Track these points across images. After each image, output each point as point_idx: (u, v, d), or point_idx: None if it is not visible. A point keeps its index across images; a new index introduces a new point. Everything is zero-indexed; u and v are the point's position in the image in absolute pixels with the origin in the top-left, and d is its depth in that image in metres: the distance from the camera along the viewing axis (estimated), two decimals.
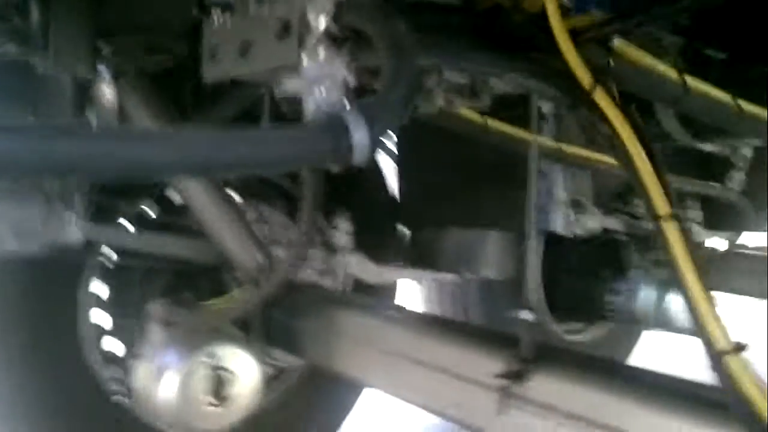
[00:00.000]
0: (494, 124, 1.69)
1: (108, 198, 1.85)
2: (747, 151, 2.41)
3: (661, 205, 0.91)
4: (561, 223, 2.40)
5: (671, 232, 0.92)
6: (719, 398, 0.95)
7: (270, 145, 0.65)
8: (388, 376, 1.63)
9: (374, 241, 2.42)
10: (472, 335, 1.56)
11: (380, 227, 2.50)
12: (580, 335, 3.28)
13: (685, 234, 0.93)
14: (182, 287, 2.08)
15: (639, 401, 1.14)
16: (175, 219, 2.03)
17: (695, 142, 2.14)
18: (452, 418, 1.46)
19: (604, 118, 0.89)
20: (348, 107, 0.72)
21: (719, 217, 2.83)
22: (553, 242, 3.12)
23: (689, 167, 2.66)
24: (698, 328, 0.93)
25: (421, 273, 2.46)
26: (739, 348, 0.92)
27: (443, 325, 1.75)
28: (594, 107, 0.89)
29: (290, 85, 1.13)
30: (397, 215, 2.49)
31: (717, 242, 3.22)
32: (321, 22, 0.76)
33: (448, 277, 2.58)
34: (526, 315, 1.34)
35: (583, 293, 3.07)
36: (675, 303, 2.65)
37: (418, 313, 1.93)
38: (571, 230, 2.41)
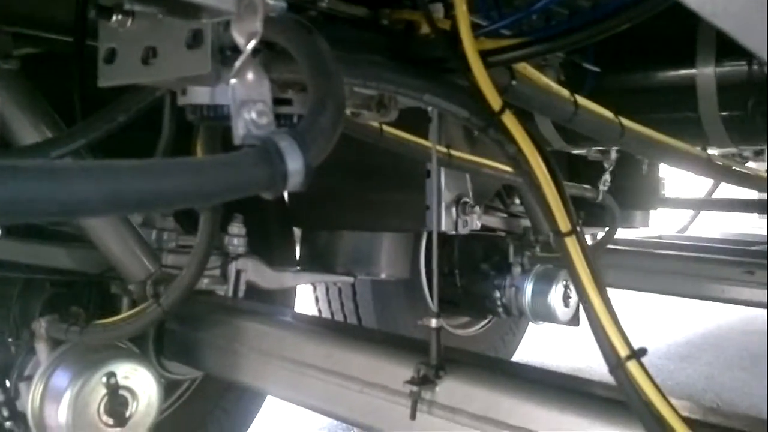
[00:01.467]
0: (389, 130, 1.71)
1: None
2: (614, 155, 2.59)
3: (563, 223, 0.97)
4: (447, 222, 2.48)
5: (573, 246, 0.98)
6: (618, 396, 1.03)
7: (204, 177, 0.64)
8: (295, 386, 1.63)
9: (268, 244, 2.40)
10: (379, 342, 1.59)
11: (273, 231, 2.49)
12: (468, 329, 3.42)
13: (585, 248, 1.00)
14: (67, 301, 1.98)
15: (543, 401, 1.21)
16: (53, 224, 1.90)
17: (569, 147, 2.28)
18: (363, 425, 1.48)
19: (511, 140, 0.94)
20: (279, 132, 0.71)
21: (590, 215, 3.03)
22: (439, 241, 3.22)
23: (563, 170, 2.83)
24: (597, 337, 1.00)
25: (316, 276, 2.47)
26: (638, 353, 0.99)
27: (349, 331, 1.77)
28: (502, 129, 0.94)
29: (196, 94, 1.11)
30: (289, 218, 2.48)
31: (590, 238, 3.45)
32: (250, 44, 0.75)
33: (343, 279, 2.60)
34: (433, 322, 1.38)
35: (467, 289, 3.19)
36: (553, 296, 2.82)
37: (322, 320, 1.93)
38: (455, 229, 2.49)
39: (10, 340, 1.89)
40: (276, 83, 1.01)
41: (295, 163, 0.70)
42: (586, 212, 2.99)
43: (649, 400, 0.94)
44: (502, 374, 1.38)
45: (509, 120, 0.94)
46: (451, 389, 1.36)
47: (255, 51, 0.97)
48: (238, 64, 0.73)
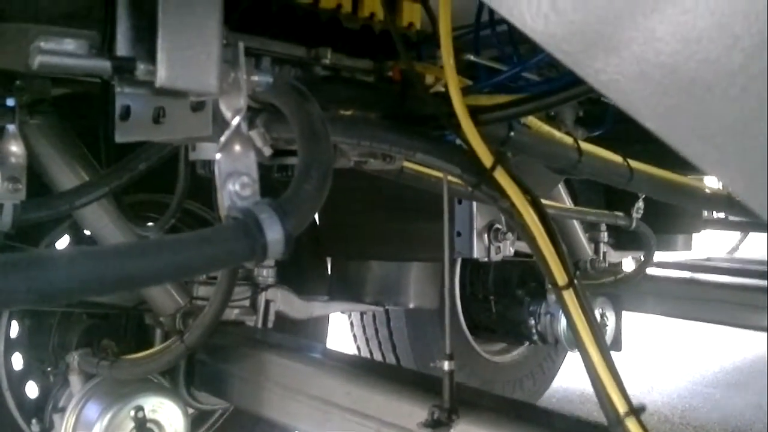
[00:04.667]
0: (409, 166, 1.73)
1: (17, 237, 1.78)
2: None
3: (560, 276, 0.98)
4: (479, 249, 2.48)
5: (570, 300, 0.99)
6: None
7: (186, 253, 0.67)
8: (315, 422, 1.65)
9: (301, 273, 2.44)
10: (398, 381, 1.60)
11: (306, 260, 2.52)
12: (505, 356, 3.40)
13: (582, 301, 1.00)
14: (104, 332, 2.05)
15: None
16: None
17: None
18: None
19: (504, 195, 0.95)
20: (261, 204, 0.74)
21: (633, 240, 2.99)
22: (472, 268, 3.23)
23: (599, 198, 2.80)
24: (596, 391, 1.00)
25: (345, 306, 2.49)
26: (637, 410, 0.99)
27: (370, 369, 1.78)
28: (495, 185, 0.95)
29: (205, 151, 1.15)
30: (319, 248, 2.52)
31: (627, 262, 3.40)
32: (235, 119, 0.79)
33: (373, 308, 2.62)
34: (447, 365, 1.39)
35: (502, 315, 3.18)
36: None
37: (346, 356, 1.95)
38: (487, 255, 2.48)
39: (49, 369, 1.96)
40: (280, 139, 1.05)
41: (274, 234, 0.72)
42: (629, 237, 2.95)
43: None
44: (516, 418, 1.38)
45: (501, 176, 0.95)
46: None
47: (257, 111, 1.01)
48: (223, 139, 0.76)
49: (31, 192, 1.40)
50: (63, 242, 2.01)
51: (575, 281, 1.00)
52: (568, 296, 1.01)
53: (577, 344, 1.02)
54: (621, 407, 0.98)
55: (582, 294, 0.99)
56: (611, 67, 0.49)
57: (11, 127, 1.16)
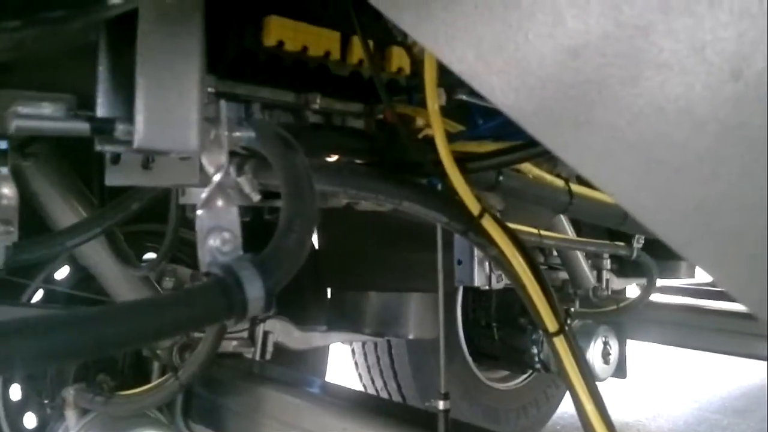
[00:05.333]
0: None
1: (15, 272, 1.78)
2: None
3: (550, 323, 0.97)
4: (480, 277, 2.46)
5: (561, 345, 0.98)
6: None
7: (163, 317, 0.66)
8: None
9: (301, 303, 2.44)
10: (394, 416, 1.59)
11: (306, 290, 2.52)
12: (508, 383, 3.37)
13: (573, 346, 0.99)
14: (101, 364, 2.04)
15: None
16: (85, 287, 1.97)
17: None
18: None
19: (492, 243, 0.95)
20: (242, 260, 0.73)
21: (636, 267, 2.96)
22: (474, 296, 3.21)
23: (602, 227, 2.79)
24: None
25: (344, 336, 2.48)
26: None
27: (367, 405, 1.77)
28: (482, 232, 0.95)
29: (193, 195, 1.15)
30: (318, 278, 2.51)
31: (631, 288, 3.38)
32: (217, 175, 0.78)
33: (371, 339, 2.61)
34: (440, 404, 1.38)
35: (505, 342, 3.16)
36: (592, 353, 2.76)
37: (343, 390, 1.94)
38: (488, 284, 2.46)
39: (46, 401, 1.96)
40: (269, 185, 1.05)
41: (255, 292, 0.72)
42: (632, 264, 2.93)
43: None
44: None
45: (489, 224, 0.95)
46: None
47: (246, 157, 1.01)
48: (204, 195, 0.76)
49: (29, 228, 1.41)
50: (62, 273, 2.02)
51: (566, 327, 0.99)
52: (559, 342, 1.00)
53: (568, 387, 1.02)
54: None
55: (572, 339, 0.98)
56: (579, 144, 0.48)
57: (3, 170, 1.17)
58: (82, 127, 0.73)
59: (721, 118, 0.42)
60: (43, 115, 0.69)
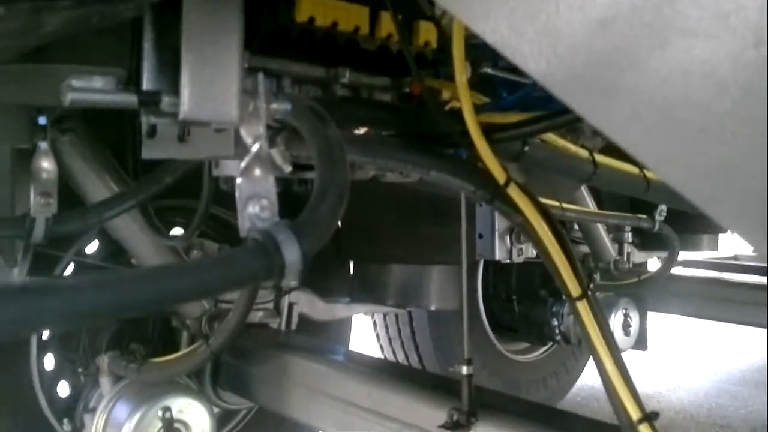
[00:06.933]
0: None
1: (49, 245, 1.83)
2: None
3: (574, 288, 1.00)
4: (501, 251, 2.49)
5: (584, 310, 1.01)
6: None
7: (205, 277, 0.70)
8: (337, 422, 1.69)
9: (325, 276, 2.48)
10: (418, 383, 1.63)
11: (330, 262, 2.56)
12: (528, 355, 3.41)
13: (596, 310, 1.02)
14: (133, 334, 2.10)
15: None
16: (114, 261, 2.02)
17: None
18: None
19: (517, 211, 0.98)
20: (280, 225, 0.77)
21: (658, 240, 2.97)
22: (495, 269, 3.24)
23: (624, 200, 2.80)
24: (610, 398, 1.02)
25: (367, 308, 2.52)
26: (650, 416, 1.01)
27: (391, 372, 1.82)
28: (508, 200, 0.97)
29: (227, 167, 1.19)
30: (341, 251, 2.55)
31: (652, 261, 3.39)
32: (255, 145, 0.82)
33: (393, 311, 2.65)
34: (465, 369, 1.41)
35: (525, 315, 3.19)
36: (613, 325, 2.78)
37: (367, 358, 1.98)
38: (509, 257, 2.49)
39: (80, 370, 2.02)
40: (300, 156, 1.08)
41: (292, 255, 0.75)
42: (654, 237, 2.93)
43: None
44: (534, 421, 1.40)
45: (514, 192, 0.97)
46: None
47: (278, 130, 1.04)
48: (243, 164, 0.80)
49: (63, 203, 1.45)
50: (92, 247, 2.07)
51: (589, 292, 1.02)
52: (582, 307, 1.03)
53: (591, 352, 1.05)
54: (634, 413, 1.00)
55: (595, 304, 1.01)
56: (607, 109, 0.51)
57: (43, 144, 1.21)
58: (130, 99, 0.76)
59: (742, 82, 0.45)
60: (94, 88, 0.73)
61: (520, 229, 1.01)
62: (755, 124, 0.46)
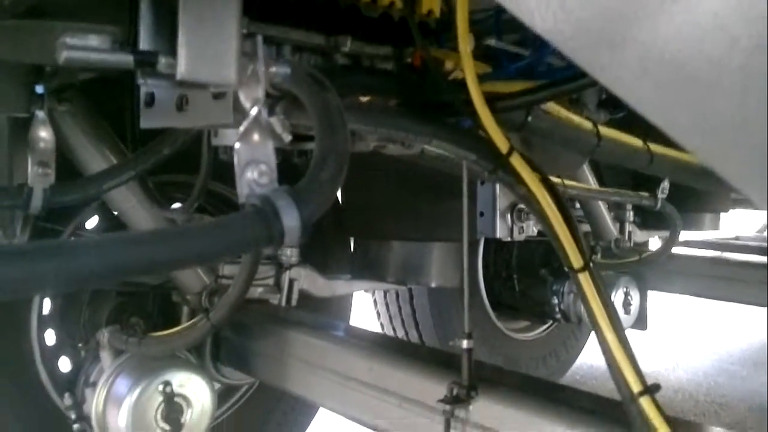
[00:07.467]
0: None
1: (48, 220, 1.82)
2: None
3: (575, 259, 0.99)
4: (502, 229, 2.48)
5: (586, 282, 1.00)
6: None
7: (204, 241, 0.70)
8: (337, 397, 1.69)
9: (324, 252, 2.48)
10: (419, 358, 1.63)
11: (330, 239, 2.55)
12: (528, 333, 3.42)
13: (598, 283, 1.01)
14: (133, 309, 2.11)
15: (575, 424, 1.23)
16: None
17: None
18: None
19: (520, 181, 0.97)
20: (279, 191, 0.76)
21: (660, 219, 2.96)
22: (496, 247, 3.24)
23: (625, 176, 2.79)
24: (611, 371, 1.01)
25: (368, 284, 2.52)
26: (651, 389, 1.00)
27: (391, 346, 1.82)
28: (511, 170, 0.96)
29: (226, 136, 1.17)
30: (342, 227, 2.54)
31: (653, 241, 3.38)
32: (254, 109, 0.81)
33: (394, 287, 2.65)
34: (465, 343, 1.41)
35: (525, 294, 3.20)
36: (615, 302, 2.78)
37: (367, 333, 1.98)
38: (510, 236, 2.48)
39: (80, 345, 2.02)
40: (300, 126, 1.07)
41: (291, 221, 0.75)
42: (655, 216, 2.93)
43: None
44: (534, 395, 1.40)
45: (517, 161, 0.96)
46: (483, 409, 1.39)
47: (277, 98, 1.03)
48: (242, 128, 0.79)
49: (60, 175, 1.44)
50: (92, 222, 2.06)
51: (591, 264, 1.01)
52: (584, 279, 1.02)
53: (593, 325, 1.04)
54: (635, 386, 0.99)
55: (597, 276, 1.00)
56: (615, 64, 0.50)
57: (40, 114, 1.20)
58: (126, 59, 0.75)
59: (753, 34, 0.44)
60: (89, 46, 0.72)
61: (522, 201, 1.00)
62: (764, 79, 0.45)
